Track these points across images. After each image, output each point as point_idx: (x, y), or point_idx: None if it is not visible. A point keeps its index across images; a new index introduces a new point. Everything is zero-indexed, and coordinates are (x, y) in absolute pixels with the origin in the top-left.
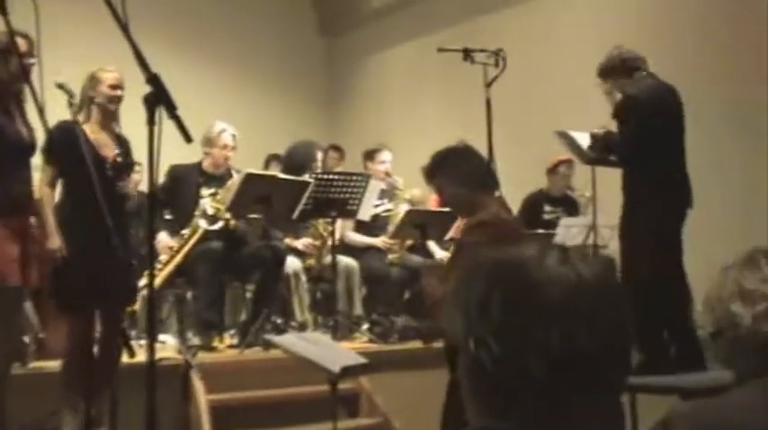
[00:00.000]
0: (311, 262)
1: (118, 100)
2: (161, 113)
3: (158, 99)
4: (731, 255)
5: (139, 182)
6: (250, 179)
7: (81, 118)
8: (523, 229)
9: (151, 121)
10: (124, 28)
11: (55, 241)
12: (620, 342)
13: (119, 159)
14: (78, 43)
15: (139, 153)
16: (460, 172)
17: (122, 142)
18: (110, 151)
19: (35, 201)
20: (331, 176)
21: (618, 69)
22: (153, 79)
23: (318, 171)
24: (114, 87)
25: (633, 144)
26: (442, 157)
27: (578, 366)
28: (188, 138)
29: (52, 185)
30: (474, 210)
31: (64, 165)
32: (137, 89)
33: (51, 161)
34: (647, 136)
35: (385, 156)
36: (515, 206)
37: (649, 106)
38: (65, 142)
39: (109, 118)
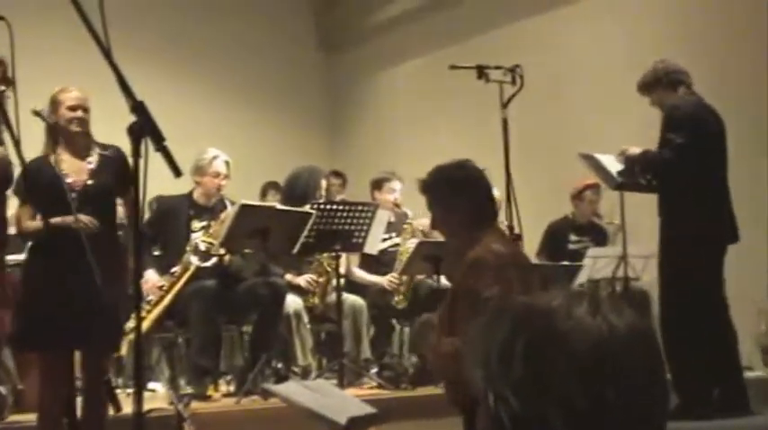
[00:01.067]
0: (314, 300)
1: (80, 122)
2: (147, 145)
3: (144, 129)
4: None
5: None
6: (245, 210)
7: (48, 147)
8: (528, 262)
9: (136, 154)
10: (106, 53)
11: (71, 221)
12: (653, 399)
13: (90, 182)
14: (58, 68)
15: None
16: (456, 197)
17: (104, 161)
18: (80, 176)
19: (12, 237)
20: (335, 206)
21: (662, 83)
22: (138, 107)
23: (321, 200)
24: (74, 108)
25: (678, 159)
26: (437, 174)
27: (606, 426)
28: (177, 172)
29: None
30: (467, 243)
31: (37, 204)
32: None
33: (27, 201)
34: (691, 153)
35: (394, 185)
36: (536, 235)
37: (696, 122)
38: (33, 182)
39: (75, 142)
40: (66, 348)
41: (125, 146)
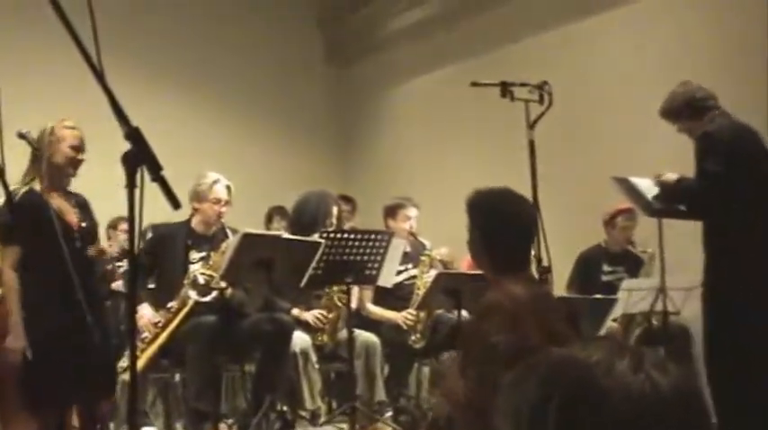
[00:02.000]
0: (323, 337)
1: (78, 164)
2: (143, 174)
3: (140, 158)
4: None
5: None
6: (248, 240)
7: (32, 177)
8: (553, 305)
9: (131, 184)
10: (99, 76)
11: (18, 339)
12: None
13: (83, 224)
14: (47, 90)
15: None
16: (493, 231)
17: (81, 204)
18: (73, 217)
19: None
20: (346, 235)
21: (684, 112)
22: (133, 134)
23: (332, 229)
24: (77, 149)
25: (714, 189)
26: (483, 199)
27: None
28: (175, 204)
29: (16, 268)
30: (490, 283)
31: (29, 243)
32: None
33: (15, 240)
34: (730, 182)
35: (410, 212)
36: (566, 267)
37: (731, 146)
38: (30, 217)
39: (64, 183)
40: (63, 406)
41: (116, 175)
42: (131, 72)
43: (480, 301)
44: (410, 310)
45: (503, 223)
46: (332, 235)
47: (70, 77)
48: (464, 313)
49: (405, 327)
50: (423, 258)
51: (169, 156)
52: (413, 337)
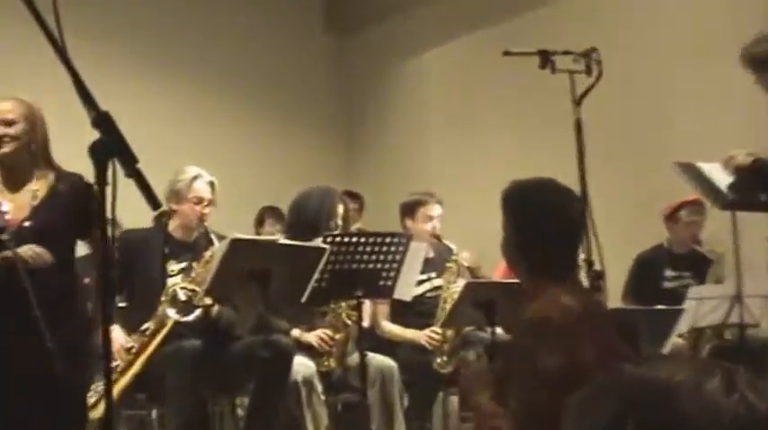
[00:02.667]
0: (330, 363)
1: (9, 139)
2: (115, 169)
3: (110, 148)
4: None
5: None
6: (238, 247)
7: None
8: (609, 316)
9: (101, 180)
10: (60, 50)
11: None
12: None
13: (27, 224)
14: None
15: None
16: (532, 228)
17: (60, 195)
18: (18, 213)
19: None
20: (354, 239)
21: None
22: (102, 120)
23: (337, 232)
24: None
25: None
26: (521, 191)
27: None
28: (155, 204)
29: None
30: (530, 289)
31: None
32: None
33: None
34: None
35: (433, 210)
36: (622, 271)
37: None
38: None
39: (6, 166)
40: None
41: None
42: (105, 48)
43: (523, 315)
44: (434, 328)
45: (545, 220)
46: (338, 239)
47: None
48: (498, 330)
49: (428, 348)
50: (449, 265)
51: (146, 152)
52: (438, 360)
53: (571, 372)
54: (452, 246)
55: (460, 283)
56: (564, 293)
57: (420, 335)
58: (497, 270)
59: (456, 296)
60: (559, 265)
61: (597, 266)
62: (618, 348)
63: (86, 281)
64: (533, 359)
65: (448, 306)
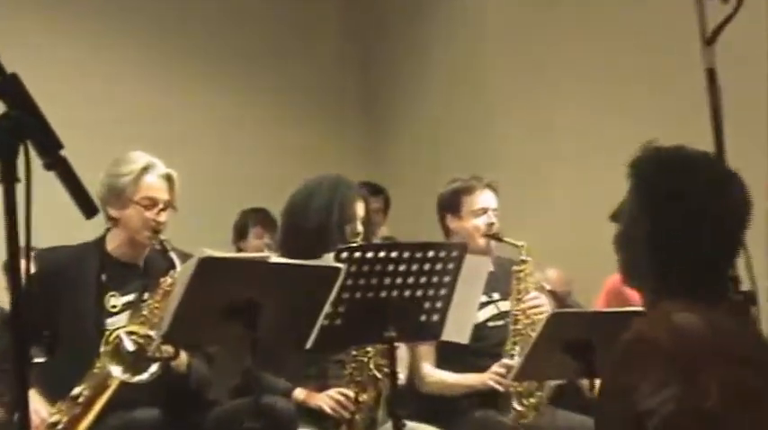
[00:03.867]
0: None
1: None
2: (29, 158)
3: (22, 128)
4: None
5: None
6: (210, 269)
7: None
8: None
9: (8, 176)
10: None
11: None
12: None
13: None
14: None
15: None
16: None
17: None
18: None
19: None
20: (383, 253)
21: None
22: (8, 88)
23: (356, 243)
24: None
25: None
26: (655, 162)
27: None
28: (88, 209)
29: None
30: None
31: None
32: None
33: None
34: None
35: (483, 198)
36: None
37: None
38: None
39: None
40: None
41: None
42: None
43: (621, 337)
44: (499, 368)
45: (700, 211)
46: (357, 254)
47: None
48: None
49: (499, 390)
50: (516, 270)
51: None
52: (515, 406)
53: (688, 420)
54: (519, 242)
55: (537, 295)
56: (685, 309)
57: (485, 377)
58: (602, 296)
59: (539, 329)
60: (711, 283)
61: (744, 285)
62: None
63: None
64: (629, 395)
65: (520, 327)
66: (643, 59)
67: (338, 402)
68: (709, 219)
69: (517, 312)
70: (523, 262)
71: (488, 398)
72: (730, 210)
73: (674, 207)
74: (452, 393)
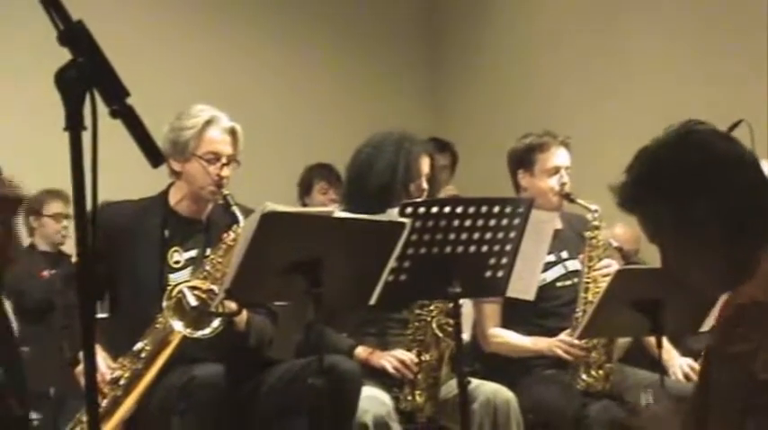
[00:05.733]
0: (414, 396)
1: None
2: (96, 105)
3: (88, 75)
4: None
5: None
6: (273, 225)
7: None
8: None
9: (74, 122)
10: None
11: None
12: None
13: None
14: None
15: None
16: (698, 205)
17: None
18: None
19: None
20: (448, 209)
21: None
22: (73, 34)
23: (421, 199)
24: None
25: None
26: (658, 155)
27: None
28: (155, 157)
29: None
30: (738, 275)
31: None
32: None
33: None
34: None
35: (557, 156)
36: None
37: None
38: None
39: None
40: None
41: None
42: None
43: (732, 302)
44: (569, 334)
45: (709, 177)
46: (422, 209)
47: None
48: (666, 344)
49: (567, 359)
50: (589, 236)
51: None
52: (584, 377)
53: None
54: (593, 206)
55: (609, 263)
56: None
57: (552, 344)
58: None
59: (604, 289)
60: (760, 218)
61: None
62: None
63: (45, 274)
64: (744, 366)
65: (590, 296)
66: (697, 35)
67: (402, 362)
68: (753, 176)
69: (588, 279)
70: (596, 228)
71: (557, 360)
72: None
73: (695, 191)
74: (518, 355)
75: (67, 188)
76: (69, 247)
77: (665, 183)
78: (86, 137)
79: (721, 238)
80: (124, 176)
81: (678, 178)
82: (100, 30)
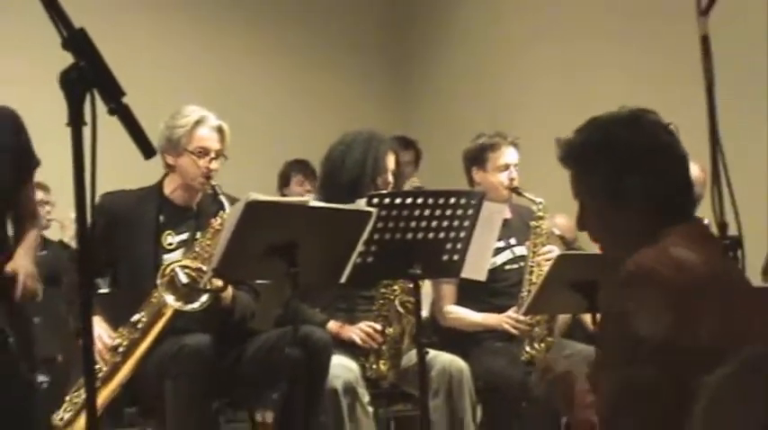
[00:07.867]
0: (379, 365)
1: None
2: (95, 104)
3: (89, 77)
4: None
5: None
6: (256, 212)
7: None
8: (744, 283)
9: (76, 119)
10: None
11: None
12: None
13: None
14: None
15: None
16: (619, 178)
17: None
18: None
19: None
20: (410, 199)
21: None
22: (76, 40)
23: (387, 191)
24: None
25: None
26: (589, 135)
27: None
28: (147, 150)
29: None
30: (634, 243)
31: None
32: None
33: None
34: None
35: (507, 154)
36: (764, 236)
37: None
38: None
39: None
40: None
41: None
42: None
43: (624, 266)
44: (515, 311)
45: (628, 155)
46: (387, 200)
47: None
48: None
49: (514, 333)
50: (534, 224)
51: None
52: (527, 349)
53: (682, 347)
54: (537, 199)
55: (551, 249)
56: (678, 244)
57: (501, 320)
58: None
59: (546, 271)
60: (669, 210)
61: (732, 231)
62: (759, 330)
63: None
64: (630, 324)
65: (534, 278)
66: (643, 23)
67: (368, 334)
68: (653, 170)
69: (532, 263)
70: (540, 218)
71: (505, 334)
72: (671, 161)
73: (617, 166)
74: (470, 329)
75: (48, 180)
76: (52, 233)
77: (610, 155)
78: (86, 136)
79: (638, 213)
80: (121, 168)
81: (623, 154)
82: (99, 30)
